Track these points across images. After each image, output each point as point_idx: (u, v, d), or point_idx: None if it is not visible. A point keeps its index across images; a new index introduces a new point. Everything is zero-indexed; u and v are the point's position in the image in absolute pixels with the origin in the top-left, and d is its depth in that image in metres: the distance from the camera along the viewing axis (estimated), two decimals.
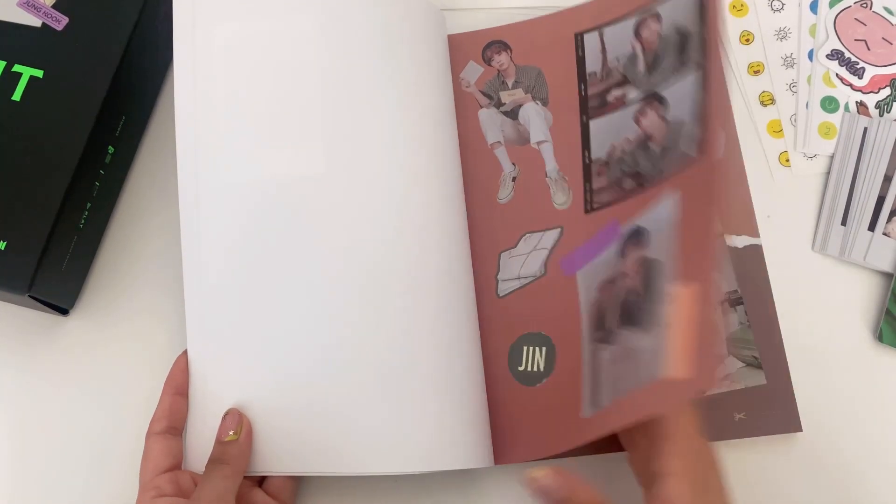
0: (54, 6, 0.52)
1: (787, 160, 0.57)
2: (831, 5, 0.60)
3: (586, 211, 0.52)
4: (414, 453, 0.45)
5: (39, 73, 0.50)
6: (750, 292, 0.53)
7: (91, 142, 0.49)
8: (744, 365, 0.51)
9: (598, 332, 0.48)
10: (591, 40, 0.55)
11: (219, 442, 0.44)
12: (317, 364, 0.46)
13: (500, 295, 0.52)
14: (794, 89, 0.59)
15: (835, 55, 0.59)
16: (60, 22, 0.51)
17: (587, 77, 0.55)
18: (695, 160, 0.45)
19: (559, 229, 0.53)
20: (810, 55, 0.59)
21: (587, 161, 0.53)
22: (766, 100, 0.58)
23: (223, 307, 0.46)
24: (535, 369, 0.50)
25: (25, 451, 0.50)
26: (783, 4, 0.61)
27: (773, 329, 0.52)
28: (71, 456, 0.50)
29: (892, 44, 0.59)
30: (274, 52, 0.49)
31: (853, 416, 0.51)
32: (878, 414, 0.51)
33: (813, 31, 0.60)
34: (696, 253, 0.42)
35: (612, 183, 0.51)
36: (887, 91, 0.58)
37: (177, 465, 0.45)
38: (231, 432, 0.44)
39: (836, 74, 0.58)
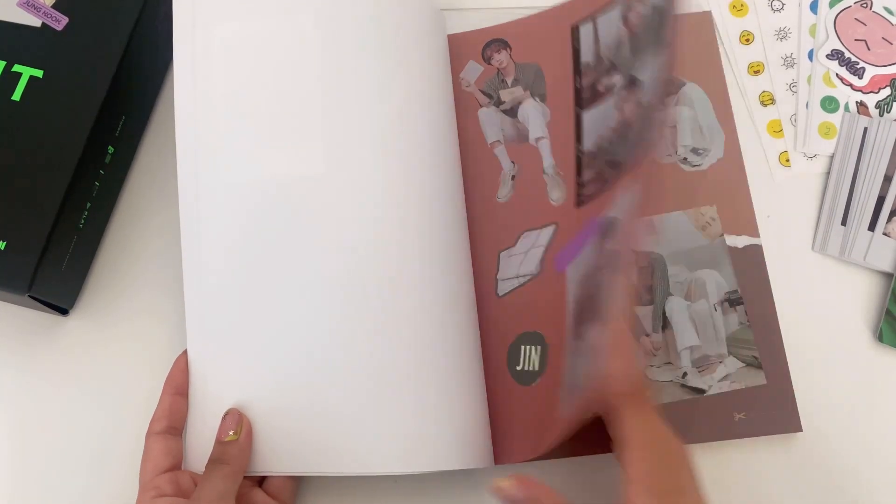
0: (54, 6, 0.52)
1: (788, 160, 0.57)
2: (831, 5, 0.60)
3: (577, 205, 0.52)
4: (414, 453, 0.45)
5: (39, 73, 0.50)
6: (750, 292, 0.53)
7: (91, 142, 0.49)
8: (744, 365, 0.51)
9: (579, 328, 0.48)
10: (585, 31, 0.55)
11: (219, 442, 0.44)
12: (317, 364, 0.46)
13: (500, 294, 0.52)
14: (794, 89, 0.59)
15: (835, 55, 0.59)
16: (60, 22, 0.51)
17: (581, 68, 0.55)
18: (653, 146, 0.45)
19: (554, 226, 0.53)
20: (810, 55, 0.59)
21: (579, 154, 0.53)
22: (766, 100, 0.58)
23: (223, 307, 0.46)
24: (531, 368, 0.50)
25: (25, 451, 0.50)
26: (783, 4, 0.61)
27: (773, 329, 0.52)
28: (71, 456, 0.50)
29: (892, 44, 0.59)
30: (273, 52, 0.49)
31: (853, 416, 0.51)
32: (878, 414, 0.51)
33: (813, 31, 0.60)
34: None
35: (597, 174, 0.51)
36: (887, 91, 0.58)
37: (177, 465, 0.45)
38: (231, 432, 0.44)
39: (836, 74, 0.58)
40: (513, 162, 0.55)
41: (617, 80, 0.52)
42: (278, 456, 0.45)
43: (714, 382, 0.51)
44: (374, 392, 0.45)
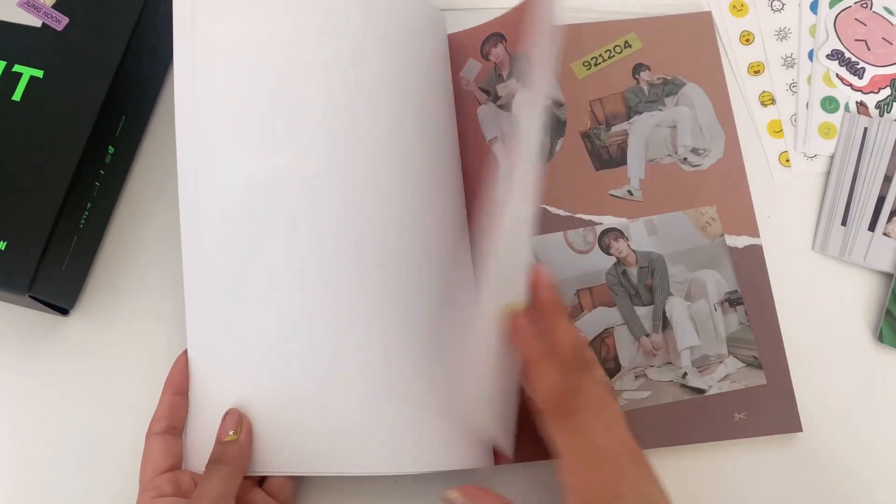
0: (54, 6, 0.52)
1: (788, 160, 0.57)
2: (831, 5, 0.60)
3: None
4: (414, 453, 0.45)
5: (40, 74, 0.50)
6: (750, 292, 0.53)
7: (91, 142, 0.49)
8: (744, 365, 0.51)
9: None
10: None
11: (219, 442, 0.44)
12: (317, 364, 0.46)
13: None
14: (794, 89, 0.59)
15: (835, 55, 0.59)
16: (60, 22, 0.51)
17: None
18: None
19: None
20: (810, 55, 0.59)
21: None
22: (767, 100, 0.58)
23: (223, 307, 0.46)
24: None
25: (25, 450, 0.50)
26: (783, 4, 0.61)
27: (773, 329, 0.52)
28: (71, 456, 0.50)
29: (892, 44, 0.59)
30: (273, 52, 0.49)
31: (853, 416, 0.51)
32: (878, 414, 0.51)
33: (813, 32, 0.60)
34: None
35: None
36: (887, 91, 0.58)
37: (177, 465, 0.45)
38: (231, 432, 0.44)
39: (837, 74, 0.58)
40: None
41: None
42: (278, 456, 0.45)
43: (714, 382, 0.51)
44: (374, 392, 0.45)
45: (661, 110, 0.57)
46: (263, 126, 0.48)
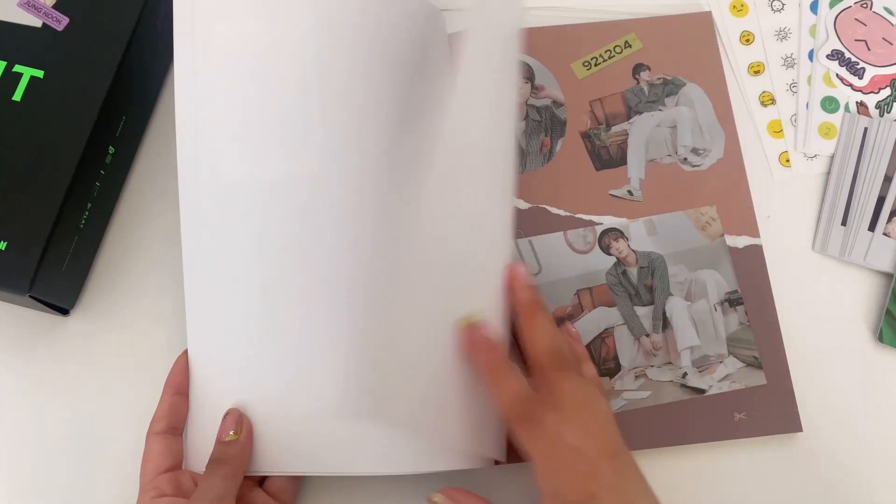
0: (54, 6, 0.52)
1: (788, 160, 0.57)
2: (831, 5, 0.60)
3: None
4: (414, 453, 0.45)
5: (40, 74, 0.50)
6: (750, 292, 0.53)
7: (91, 142, 0.49)
8: (744, 365, 0.51)
9: None
10: None
11: (219, 442, 0.44)
12: (318, 364, 0.46)
13: None
14: (794, 89, 0.59)
15: (835, 55, 0.59)
16: (61, 22, 0.51)
17: None
18: None
19: None
20: (810, 55, 0.59)
21: None
22: (767, 100, 0.58)
23: (223, 307, 0.46)
24: None
25: (25, 451, 0.50)
26: (783, 5, 0.61)
27: (773, 329, 0.52)
28: (71, 456, 0.50)
29: (892, 44, 0.59)
30: (274, 52, 0.49)
31: (853, 416, 0.51)
32: (878, 414, 0.51)
33: (813, 32, 0.60)
34: None
35: None
36: (887, 91, 0.58)
37: (177, 465, 0.45)
38: (231, 432, 0.44)
39: (837, 74, 0.58)
40: None
41: None
42: (279, 456, 0.45)
43: (714, 382, 0.51)
44: (374, 392, 0.45)
45: (661, 110, 0.57)
46: (264, 126, 0.48)
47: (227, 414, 0.44)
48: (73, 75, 0.50)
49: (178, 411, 0.46)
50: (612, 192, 0.55)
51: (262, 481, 0.47)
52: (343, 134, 0.48)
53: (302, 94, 0.49)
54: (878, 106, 0.58)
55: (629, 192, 0.55)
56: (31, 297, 0.48)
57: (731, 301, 0.53)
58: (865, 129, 0.57)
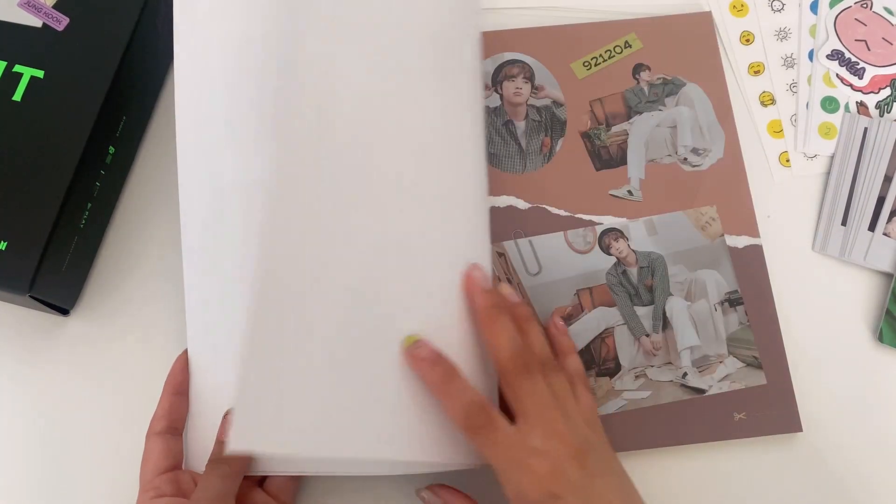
0: (55, 6, 0.52)
1: (788, 160, 0.57)
2: (831, 5, 0.60)
3: None
4: (414, 454, 0.45)
5: (40, 74, 0.50)
6: (750, 292, 0.53)
7: (91, 142, 0.49)
8: (744, 365, 0.51)
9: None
10: None
11: (219, 442, 0.44)
12: (317, 364, 0.46)
13: None
14: (794, 89, 0.59)
15: (835, 55, 0.59)
16: (61, 22, 0.51)
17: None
18: None
19: None
20: (810, 55, 0.59)
21: None
22: (767, 100, 0.58)
23: (223, 307, 0.46)
24: None
25: (25, 451, 0.50)
26: (783, 5, 0.61)
27: (773, 329, 0.52)
28: (71, 456, 0.50)
29: (892, 44, 0.59)
30: (273, 52, 0.49)
31: (853, 416, 0.51)
32: (878, 414, 0.51)
33: (813, 32, 0.60)
34: None
35: None
36: (887, 91, 0.58)
37: (177, 465, 0.45)
38: None
39: (837, 75, 0.58)
40: None
41: None
42: (279, 456, 0.45)
43: (714, 382, 0.51)
44: (375, 394, 0.45)
45: (661, 110, 0.57)
46: (264, 125, 0.48)
47: (227, 414, 0.44)
48: (73, 75, 0.50)
49: (178, 411, 0.46)
50: (612, 192, 0.55)
51: (262, 481, 0.47)
52: (346, 133, 0.48)
53: (304, 92, 0.48)
54: (878, 106, 0.58)
55: (629, 192, 0.55)
56: (31, 297, 0.48)
57: (731, 301, 0.53)
58: (865, 129, 0.57)
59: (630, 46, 0.58)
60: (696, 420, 0.50)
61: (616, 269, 0.53)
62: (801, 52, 0.59)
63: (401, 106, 0.49)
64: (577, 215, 0.54)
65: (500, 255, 0.53)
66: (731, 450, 0.50)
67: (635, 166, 0.55)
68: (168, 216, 0.53)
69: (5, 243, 0.47)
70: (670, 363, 0.51)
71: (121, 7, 0.52)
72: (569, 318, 0.52)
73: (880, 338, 0.52)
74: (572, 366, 0.48)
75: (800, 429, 0.50)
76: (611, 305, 0.52)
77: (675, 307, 0.52)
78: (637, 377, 0.51)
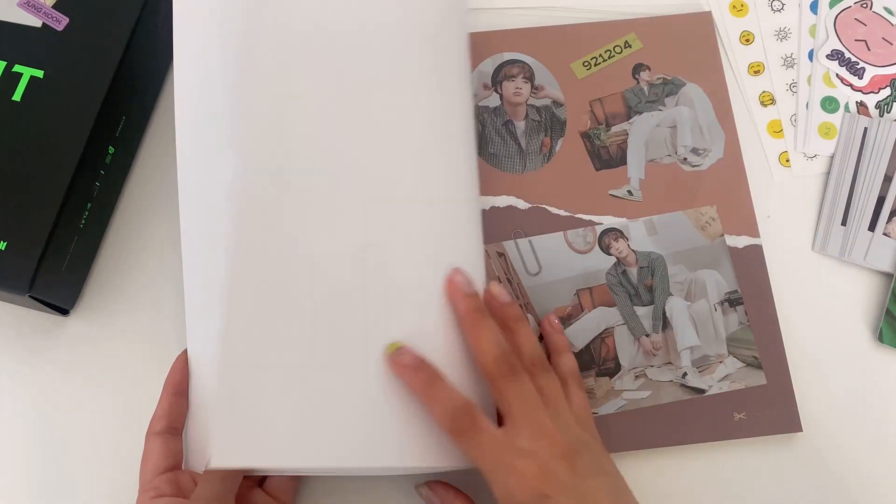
0: (54, 6, 0.52)
1: (788, 160, 0.57)
2: (831, 5, 0.60)
3: None
4: (414, 454, 0.45)
5: (40, 74, 0.50)
6: (750, 292, 0.53)
7: (91, 142, 0.49)
8: (744, 365, 0.51)
9: None
10: None
11: None
12: (317, 363, 0.46)
13: None
14: (794, 89, 0.59)
15: (835, 55, 0.59)
16: (61, 22, 0.51)
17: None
18: None
19: None
20: (810, 55, 0.59)
21: None
22: (767, 100, 0.58)
23: (223, 306, 0.46)
24: None
25: (25, 451, 0.50)
26: (783, 4, 0.61)
27: (773, 329, 0.52)
28: (71, 456, 0.50)
29: (892, 44, 0.59)
30: (273, 52, 0.49)
31: (853, 416, 0.51)
32: (879, 414, 0.51)
33: (813, 32, 0.60)
34: None
35: None
36: (887, 91, 0.58)
37: (177, 465, 0.45)
38: None
39: (837, 74, 0.58)
40: None
41: None
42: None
43: (714, 382, 0.51)
44: (375, 392, 0.45)
45: (661, 110, 0.57)
46: (263, 125, 0.48)
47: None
48: (72, 75, 0.50)
49: (178, 411, 0.46)
50: (612, 192, 0.55)
51: (262, 481, 0.47)
52: (347, 132, 0.48)
53: (304, 92, 0.48)
54: (878, 106, 0.58)
55: (629, 192, 0.55)
56: (30, 297, 0.48)
57: (731, 301, 0.53)
58: (865, 129, 0.57)
59: (630, 46, 0.58)
60: (696, 420, 0.50)
61: (616, 269, 0.53)
62: (801, 52, 0.59)
63: (381, 109, 0.49)
64: (576, 215, 0.54)
65: (500, 255, 0.53)
66: (730, 450, 0.50)
67: (635, 166, 0.55)
68: (168, 216, 0.53)
69: (5, 243, 0.47)
70: (670, 363, 0.51)
71: (121, 7, 0.52)
72: (569, 318, 0.52)
73: (880, 338, 0.52)
74: (566, 364, 0.48)
75: (800, 429, 0.50)
76: (611, 305, 0.52)
77: (675, 307, 0.52)
78: (637, 377, 0.51)
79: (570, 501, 0.39)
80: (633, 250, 0.53)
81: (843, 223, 0.55)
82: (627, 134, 0.56)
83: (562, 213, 0.54)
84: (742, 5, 0.60)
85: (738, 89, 0.59)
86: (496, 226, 0.54)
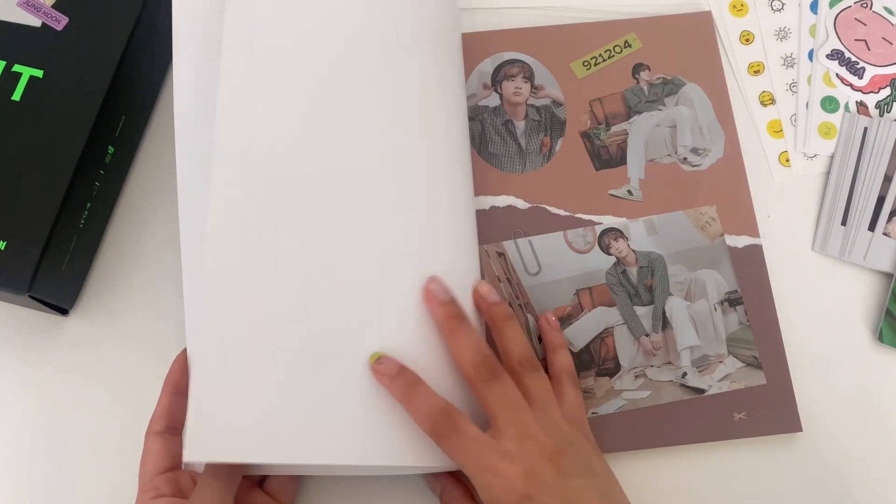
0: (54, 6, 0.52)
1: (788, 160, 0.57)
2: (831, 5, 0.60)
3: None
4: (414, 454, 0.45)
5: (39, 73, 0.50)
6: (750, 292, 0.53)
7: (91, 142, 0.49)
8: (744, 365, 0.51)
9: None
10: None
11: None
12: (317, 364, 0.46)
13: None
14: (794, 89, 0.59)
15: (835, 55, 0.59)
16: (60, 22, 0.51)
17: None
18: None
19: None
20: (810, 55, 0.59)
21: None
22: (767, 100, 0.58)
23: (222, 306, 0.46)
24: None
25: (25, 451, 0.50)
26: (783, 4, 0.61)
27: (773, 329, 0.52)
28: (71, 456, 0.50)
29: (892, 44, 0.59)
30: (272, 52, 0.49)
31: (853, 416, 0.51)
32: (879, 414, 0.51)
33: (813, 31, 0.60)
34: None
35: None
36: (887, 91, 0.58)
37: (176, 465, 0.45)
38: None
39: (837, 74, 0.58)
40: None
41: None
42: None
43: (714, 382, 0.51)
44: (375, 392, 0.45)
45: (660, 110, 0.57)
46: (263, 125, 0.48)
47: None
48: (72, 75, 0.50)
49: (178, 411, 0.46)
50: (612, 191, 0.55)
51: (261, 481, 0.47)
52: (348, 131, 0.48)
53: (303, 94, 0.48)
54: (878, 106, 0.58)
55: (629, 191, 0.55)
56: (30, 296, 0.48)
57: (731, 301, 0.53)
58: (865, 128, 0.57)
59: (630, 46, 0.58)
60: (696, 420, 0.50)
61: (616, 269, 0.53)
62: (801, 51, 0.59)
63: (367, 113, 0.49)
64: (576, 215, 0.54)
65: (499, 255, 0.53)
66: (730, 450, 0.50)
67: (635, 166, 0.55)
68: (167, 216, 0.53)
69: (4, 243, 0.47)
70: (670, 363, 0.51)
71: (120, 7, 0.52)
72: (568, 318, 0.52)
73: (880, 338, 0.52)
74: (561, 362, 0.48)
75: (800, 429, 0.50)
76: (610, 305, 0.52)
77: (675, 307, 0.52)
78: (637, 377, 0.51)
79: (555, 502, 0.39)
80: (632, 250, 0.53)
81: (843, 223, 0.55)
82: (627, 134, 0.56)
83: (562, 212, 0.54)
84: (742, 5, 0.60)
85: (738, 89, 0.59)
86: (496, 225, 0.54)
